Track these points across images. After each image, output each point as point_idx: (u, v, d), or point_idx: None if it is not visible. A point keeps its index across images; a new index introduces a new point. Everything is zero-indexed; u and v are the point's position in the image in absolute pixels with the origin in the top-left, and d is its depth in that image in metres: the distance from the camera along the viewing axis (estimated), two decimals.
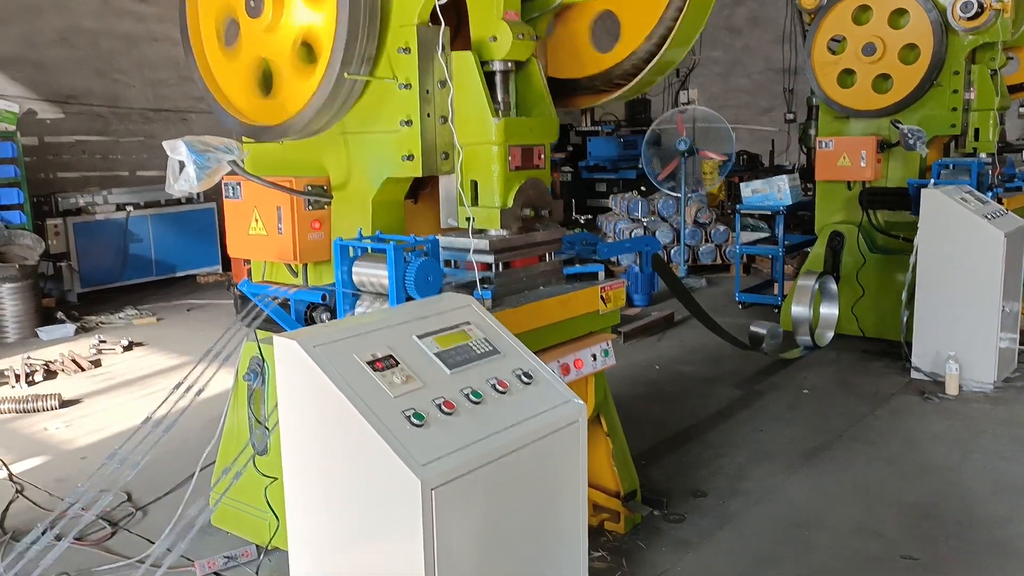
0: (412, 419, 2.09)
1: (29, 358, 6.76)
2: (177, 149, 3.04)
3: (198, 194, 3.49)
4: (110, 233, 9.72)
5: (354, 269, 3.02)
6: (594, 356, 3.47)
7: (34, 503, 4.31)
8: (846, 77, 6.90)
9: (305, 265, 3.52)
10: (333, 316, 3.09)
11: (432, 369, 2.29)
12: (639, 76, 3.71)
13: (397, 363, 2.24)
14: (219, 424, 3.72)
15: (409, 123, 3.17)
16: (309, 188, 3.39)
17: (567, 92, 3.94)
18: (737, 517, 3.98)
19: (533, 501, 2.31)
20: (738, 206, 8.20)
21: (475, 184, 3.25)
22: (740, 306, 8.23)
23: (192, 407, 3.29)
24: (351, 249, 3.04)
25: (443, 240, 3.26)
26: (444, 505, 2.02)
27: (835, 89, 6.90)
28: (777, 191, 7.84)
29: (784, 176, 7.95)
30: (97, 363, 6.93)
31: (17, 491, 4.43)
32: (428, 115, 3.20)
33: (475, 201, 3.26)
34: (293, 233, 3.39)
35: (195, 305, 9.14)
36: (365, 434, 2.04)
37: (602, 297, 3.54)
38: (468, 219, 3.24)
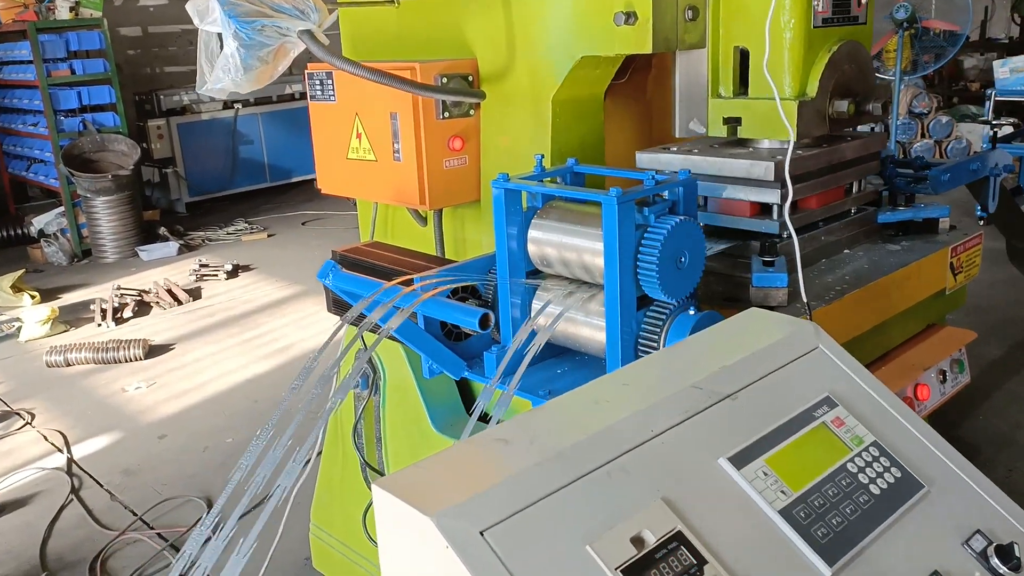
0: None
1: (120, 288, 5.81)
2: (209, 14, 1.65)
3: None
4: (218, 134, 8.64)
5: (531, 234, 1.61)
6: (943, 374, 1.96)
7: (89, 511, 3.26)
8: None
9: (438, 213, 2.13)
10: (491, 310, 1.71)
11: (784, 561, 0.88)
12: None
13: (699, 561, 0.83)
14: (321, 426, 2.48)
15: None
16: (443, 80, 1.96)
17: None
18: None
19: None
20: (989, 91, 6.23)
21: (743, 55, 1.73)
22: (981, 222, 6.35)
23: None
24: (524, 196, 1.62)
25: (679, 159, 1.80)
26: None
27: None
28: None
29: None
30: (196, 293, 5.91)
31: (72, 491, 3.40)
32: None
33: (743, 88, 1.75)
34: (419, 158, 1.99)
35: (311, 217, 8.02)
36: None
37: (951, 265, 2.01)
38: (728, 121, 1.74)
